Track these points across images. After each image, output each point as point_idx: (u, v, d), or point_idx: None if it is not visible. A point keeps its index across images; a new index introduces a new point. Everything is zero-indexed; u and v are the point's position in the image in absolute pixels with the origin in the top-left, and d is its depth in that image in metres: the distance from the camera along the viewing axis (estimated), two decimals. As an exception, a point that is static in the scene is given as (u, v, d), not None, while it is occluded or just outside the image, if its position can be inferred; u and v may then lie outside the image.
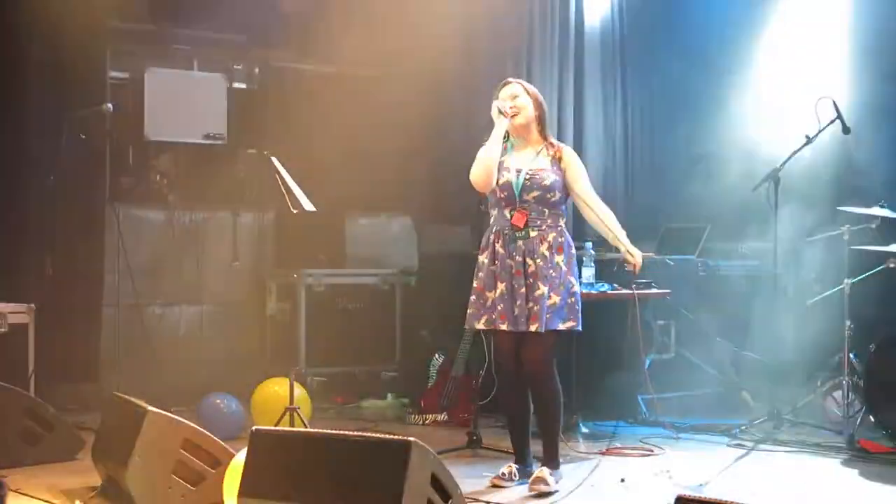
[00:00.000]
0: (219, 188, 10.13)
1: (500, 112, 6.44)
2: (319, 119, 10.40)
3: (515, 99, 6.50)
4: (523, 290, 6.34)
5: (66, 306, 8.98)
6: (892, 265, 7.93)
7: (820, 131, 8.22)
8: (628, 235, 6.62)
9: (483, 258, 6.51)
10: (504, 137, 6.48)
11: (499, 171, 6.46)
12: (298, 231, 10.04)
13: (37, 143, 8.83)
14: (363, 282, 10.30)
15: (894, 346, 7.54)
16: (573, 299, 6.40)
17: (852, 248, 8.00)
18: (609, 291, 7.95)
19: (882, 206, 7.94)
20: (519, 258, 6.37)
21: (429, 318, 9.63)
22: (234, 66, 10.20)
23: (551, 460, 6.49)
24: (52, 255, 8.21)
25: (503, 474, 6.50)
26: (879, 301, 8.25)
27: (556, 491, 6.29)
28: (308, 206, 7.37)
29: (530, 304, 6.32)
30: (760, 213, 8.71)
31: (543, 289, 6.30)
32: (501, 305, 6.38)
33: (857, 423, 7.63)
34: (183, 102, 9.79)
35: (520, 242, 6.38)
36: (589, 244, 8.00)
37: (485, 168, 6.42)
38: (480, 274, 6.50)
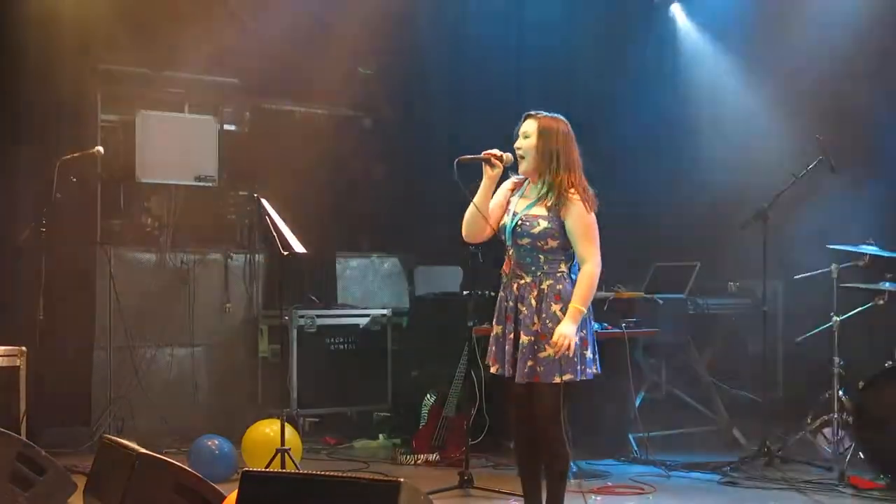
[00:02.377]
0: (210, 230, 10.17)
1: (485, 161, 6.15)
2: (309, 161, 10.46)
3: (526, 139, 6.13)
4: (511, 335, 6.13)
5: (57, 349, 8.97)
6: (880, 302, 7.97)
7: (807, 171, 8.28)
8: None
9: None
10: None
11: (506, 210, 6.22)
12: (289, 272, 10.07)
13: (28, 186, 8.86)
14: (354, 322, 10.31)
15: (883, 383, 7.57)
16: (569, 351, 5.96)
17: (841, 285, 8.05)
18: (599, 331, 7.93)
19: (870, 244, 7.99)
20: (511, 303, 6.14)
21: (420, 359, 9.65)
22: (225, 109, 10.25)
23: None
24: (44, 298, 8.21)
25: None
26: (868, 338, 8.28)
27: None
28: (298, 247, 7.39)
29: (516, 352, 6.08)
30: (749, 252, 8.75)
31: (525, 338, 6.04)
32: (494, 347, 6.21)
33: (847, 459, 7.65)
34: (174, 144, 9.82)
35: (514, 286, 6.13)
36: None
37: (466, 224, 6.24)
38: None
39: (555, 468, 6.18)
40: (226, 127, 10.22)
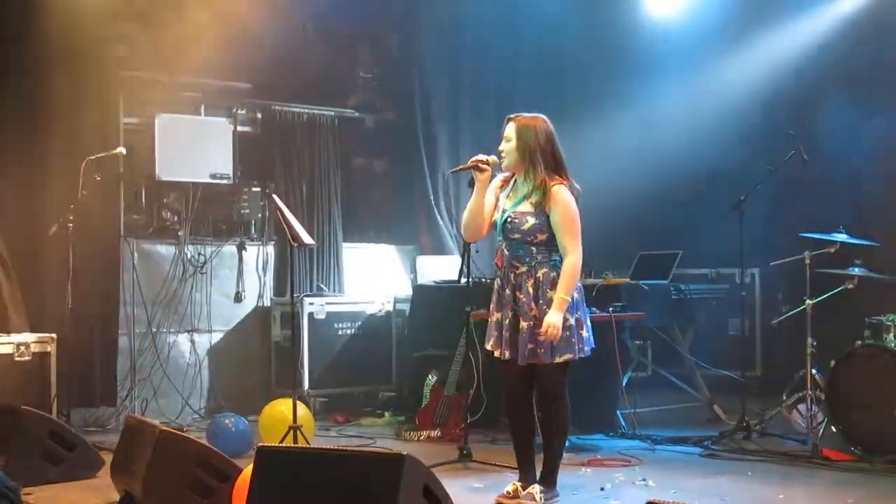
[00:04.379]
0: (225, 224, 10.19)
1: (474, 168, 6.24)
2: (317, 158, 10.49)
3: (507, 142, 6.20)
4: (508, 321, 6.25)
5: (85, 335, 9.02)
6: (850, 286, 8.00)
7: (782, 164, 8.30)
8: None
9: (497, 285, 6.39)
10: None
11: (496, 209, 6.30)
12: (300, 263, 10.15)
13: (57, 184, 8.89)
14: (361, 309, 10.34)
15: (853, 362, 7.59)
16: (568, 333, 6.11)
17: (814, 271, 8.07)
18: (588, 314, 7.97)
19: (840, 232, 8.01)
20: (509, 291, 6.23)
21: (422, 342, 9.67)
22: (239, 111, 10.26)
23: (546, 480, 6.38)
24: (72, 288, 8.24)
25: (508, 493, 6.36)
26: (839, 319, 8.30)
27: None
28: (308, 240, 7.42)
29: (518, 336, 6.20)
30: (728, 240, 8.77)
31: (524, 324, 6.16)
32: (496, 332, 6.31)
33: (820, 433, 7.67)
34: (191, 145, 9.83)
35: (511, 275, 6.23)
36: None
37: (464, 226, 6.39)
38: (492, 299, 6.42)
39: (555, 427, 6.34)
40: (239, 128, 10.21)
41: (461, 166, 6.33)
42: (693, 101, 10.35)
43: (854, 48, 9.70)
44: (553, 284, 6.12)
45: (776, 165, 8.33)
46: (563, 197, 6.11)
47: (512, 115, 6.30)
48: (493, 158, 6.28)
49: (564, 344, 6.16)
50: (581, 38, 11.06)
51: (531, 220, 6.15)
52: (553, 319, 6.04)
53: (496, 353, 6.34)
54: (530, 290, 6.18)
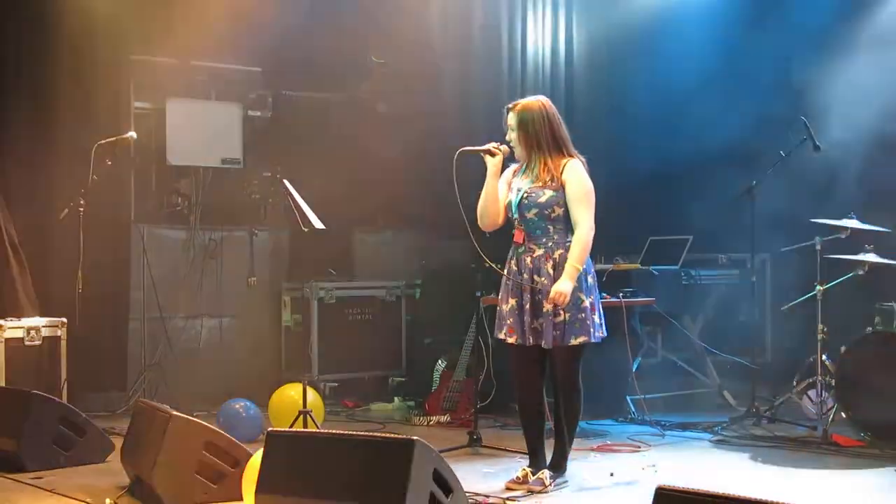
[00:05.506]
0: (236, 209, 10.19)
1: (486, 152, 6.31)
2: (328, 144, 10.49)
3: (511, 132, 6.28)
4: (528, 306, 6.22)
5: (95, 320, 9.02)
6: (860, 272, 7.98)
7: (793, 149, 8.28)
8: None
9: (504, 274, 6.39)
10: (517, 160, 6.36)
11: (510, 191, 6.33)
12: (310, 248, 10.11)
13: (68, 169, 8.89)
14: (371, 294, 10.35)
15: (863, 348, 7.58)
16: (583, 315, 6.15)
17: (824, 257, 8.05)
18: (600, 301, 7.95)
19: (851, 218, 7.99)
20: (527, 275, 6.22)
21: (432, 327, 9.69)
22: (250, 96, 10.25)
23: (556, 466, 6.40)
24: (83, 273, 8.25)
25: (517, 478, 6.36)
26: (850, 305, 8.28)
27: (549, 493, 6.22)
28: (318, 225, 7.41)
29: (540, 321, 6.19)
30: (739, 226, 8.75)
31: (547, 307, 6.14)
32: (511, 319, 6.29)
33: (830, 419, 7.67)
34: (202, 130, 9.82)
35: (527, 259, 6.23)
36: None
37: (480, 212, 6.36)
38: (501, 288, 6.42)
39: (569, 414, 6.37)
40: (250, 113, 10.22)
41: (473, 148, 6.33)
42: (708, 83, 10.28)
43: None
44: None
45: (788, 150, 8.31)
46: (576, 170, 6.19)
47: (510, 105, 6.37)
48: (505, 148, 6.34)
49: (579, 326, 6.18)
50: (595, 18, 10.98)
51: (549, 193, 6.19)
52: (563, 287, 6.05)
53: (511, 340, 6.31)
54: (551, 272, 6.18)
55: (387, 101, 11.18)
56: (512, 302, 6.30)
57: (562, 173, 6.17)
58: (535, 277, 6.21)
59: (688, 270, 9.51)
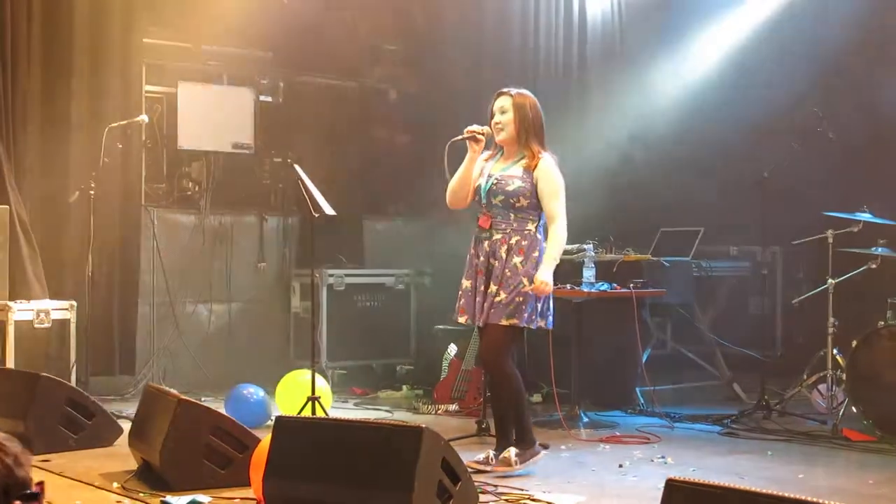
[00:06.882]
0: (246, 194, 10.19)
1: (471, 139, 6.41)
2: (339, 130, 10.47)
3: (503, 114, 6.42)
4: (482, 287, 6.38)
5: (105, 303, 9.04)
6: (872, 266, 7.95)
7: (804, 141, 8.25)
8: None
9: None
10: (496, 146, 6.51)
11: (481, 176, 6.47)
12: (320, 234, 10.08)
13: (79, 152, 8.89)
14: (380, 281, 10.35)
15: (875, 342, 7.55)
16: (521, 298, 6.26)
17: (837, 250, 8.02)
18: (608, 291, 7.94)
19: (863, 211, 7.96)
20: (483, 258, 6.39)
21: (441, 316, 9.66)
22: (261, 81, 10.25)
23: (519, 441, 6.39)
24: (92, 256, 8.26)
25: (479, 460, 6.34)
26: (861, 299, 8.25)
27: (518, 471, 6.23)
28: (329, 210, 7.41)
29: (486, 301, 6.34)
30: (750, 218, 8.72)
31: (493, 287, 6.31)
32: (463, 300, 6.47)
33: (841, 413, 7.64)
34: (213, 114, 9.83)
35: (485, 243, 6.39)
36: (590, 246, 7.95)
37: (451, 191, 6.53)
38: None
39: (500, 395, 6.46)
40: (261, 98, 10.21)
41: (458, 137, 6.46)
42: (721, 75, 10.25)
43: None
44: (521, 252, 6.32)
45: (800, 142, 8.28)
46: (550, 165, 6.39)
47: (504, 90, 6.53)
48: (487, 130, 6.48)
49: (514, 308, 6.30)
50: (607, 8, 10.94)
51: (517, 183, 6.36)
52: (545, 277, 6.24)
53: (461, 320, 6.50)
54: (503, 255, 6.35)
55: (397, 87, 11.16)
56: (467, 283, 6.47)
57: (536, 167, 6.36)
58: (491, 260, 6.38)
59: (699, 262, 9.48)
